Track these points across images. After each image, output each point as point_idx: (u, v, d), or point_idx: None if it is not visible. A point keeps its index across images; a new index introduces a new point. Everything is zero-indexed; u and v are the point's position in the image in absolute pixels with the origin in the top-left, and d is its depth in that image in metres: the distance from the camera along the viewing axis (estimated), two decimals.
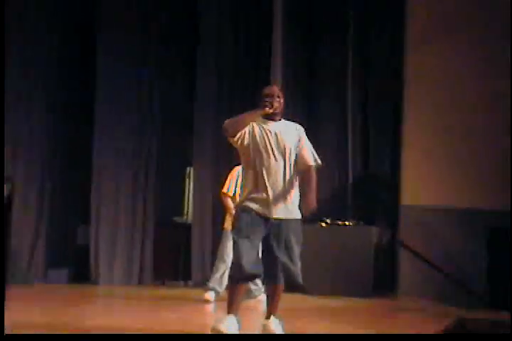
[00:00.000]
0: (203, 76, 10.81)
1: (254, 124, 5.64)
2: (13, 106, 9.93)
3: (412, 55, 10.40)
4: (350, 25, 11.06)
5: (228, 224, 8.11)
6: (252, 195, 5.51)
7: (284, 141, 5.60)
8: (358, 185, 10.91)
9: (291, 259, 5.50)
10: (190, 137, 10.83)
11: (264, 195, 5.47)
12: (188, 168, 11.20)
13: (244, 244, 5.33)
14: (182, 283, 10.68)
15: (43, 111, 10.35)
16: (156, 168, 10.86)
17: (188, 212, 11.21)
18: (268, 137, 5.57)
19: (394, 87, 10.64)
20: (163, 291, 9.80)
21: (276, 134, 5.60)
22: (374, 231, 10.01)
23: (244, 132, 5.56)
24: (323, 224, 9.95)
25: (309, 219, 9.07)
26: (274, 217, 5.47)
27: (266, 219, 5.46)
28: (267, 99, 5.63)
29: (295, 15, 10.91)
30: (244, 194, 5.59)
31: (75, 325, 6.28)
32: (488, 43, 9.77)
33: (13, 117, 9.98)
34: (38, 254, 10.19)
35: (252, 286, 8.10)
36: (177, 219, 11.16)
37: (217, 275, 8.30)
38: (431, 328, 6.77)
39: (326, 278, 9.62)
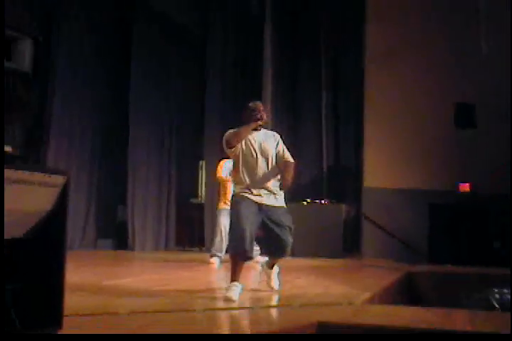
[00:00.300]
0: (210, 91, 10.78)
1: None
2: (67, 113, 10.00)
3: (373, 68, 10.33)
4: (322, 45, 11.07)
5: (221, 205, 8.13)
6: (246, 190, 5.30)
7: (266, 147, 5.38)
8: (331, 173, 10.91)
9: (289, 235, 5.33)
10: (203, 138, 10.79)
11: (256, 189, 5.29)
12: (200, 162, 11.17)
13: (246, 229, 5.10)
14: (197, 248, 10.67)
15: (89, 124, 10.43)
16: (176, 162, 10.91)
17: (201, 195, 11.21)
18: (253, 145, 5.36)
19: (358, 96, 10.59)
20: (182, 255, 9.77)
21: (260, 142, 5.38)
22: (343, 207, 9.98)
23: None
24: (305, 203, 9.95)
25: (294, 199, 9.36)
26: (265, 203, 5.28)
27: (259, 206, 5.25)
28: (255, 113, 5.38)
29: (281, 40, 10.86)
30: (238, 189, 5.38)
31: (117, 279, 6.29)
32: (436, 63, 9.90)
33: (68, 125, 10.04)
34: (89, 228, 10.29)
35: None
36: (193, 200, 11.20)
37: (217, 243, 8.16)
38: (388, 278, 6.93)
39: (308, 244, 9.44)
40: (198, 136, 11.00)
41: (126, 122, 10.43)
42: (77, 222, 9.99)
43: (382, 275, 7.26)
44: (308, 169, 10.75)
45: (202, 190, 11.14)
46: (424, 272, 7.78)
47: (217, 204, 8.34)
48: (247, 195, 5.29)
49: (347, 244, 9.85)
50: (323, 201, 10.03)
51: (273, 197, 5.36)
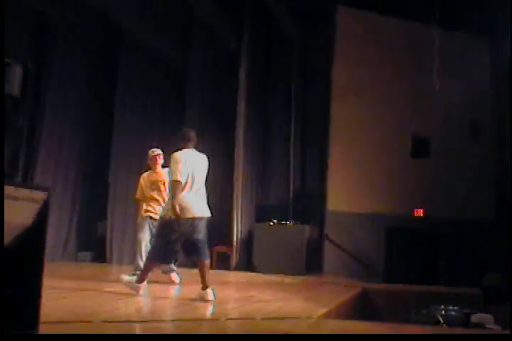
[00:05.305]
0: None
1: None
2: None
3: (337, 102, 10.45)
4: (292, 85, 11.20)
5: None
6: None
7: None
8: (297, 197, 10.95)
9: None
10: None
11: None
12: None
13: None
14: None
15: (75, 146, 10.44)
16: None
17: None
18: None
19: (324, 127, 10.61)
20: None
21: None
22: (307, 228, 9.94)
23: None
24: (271, 223, 9.92)
25: (262, 219, 9.72)
26: None
27: None
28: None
29: (254, 77, 10.64)
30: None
31: (95, 289, 6.17)
32: (390, 99, 10.05)
33: (55, 146, 10.01)
34: (71, 241, 10.22)
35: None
36: None
37: None
38: (344, 294, 6.96)
39: (273, 262, 9.54)
40: None
41: (109, 144, 10.42)
42: (60, 235, 9.91)
43: (340, 292, 7.26)
44: (276, 192, 10.92)
45: None
46: (378, 289, 7.83)
47: None
48: None
49: (309, 262, 9.77)
50: (288, 222, 9.99)
51: None
